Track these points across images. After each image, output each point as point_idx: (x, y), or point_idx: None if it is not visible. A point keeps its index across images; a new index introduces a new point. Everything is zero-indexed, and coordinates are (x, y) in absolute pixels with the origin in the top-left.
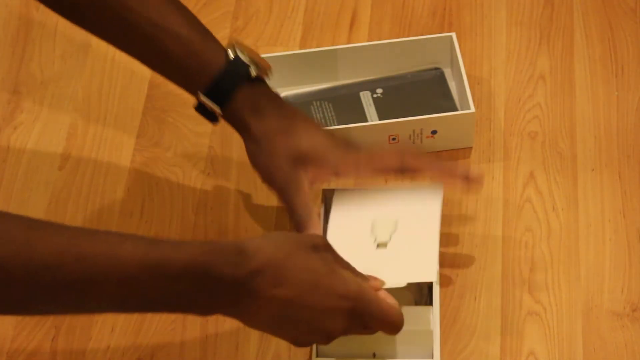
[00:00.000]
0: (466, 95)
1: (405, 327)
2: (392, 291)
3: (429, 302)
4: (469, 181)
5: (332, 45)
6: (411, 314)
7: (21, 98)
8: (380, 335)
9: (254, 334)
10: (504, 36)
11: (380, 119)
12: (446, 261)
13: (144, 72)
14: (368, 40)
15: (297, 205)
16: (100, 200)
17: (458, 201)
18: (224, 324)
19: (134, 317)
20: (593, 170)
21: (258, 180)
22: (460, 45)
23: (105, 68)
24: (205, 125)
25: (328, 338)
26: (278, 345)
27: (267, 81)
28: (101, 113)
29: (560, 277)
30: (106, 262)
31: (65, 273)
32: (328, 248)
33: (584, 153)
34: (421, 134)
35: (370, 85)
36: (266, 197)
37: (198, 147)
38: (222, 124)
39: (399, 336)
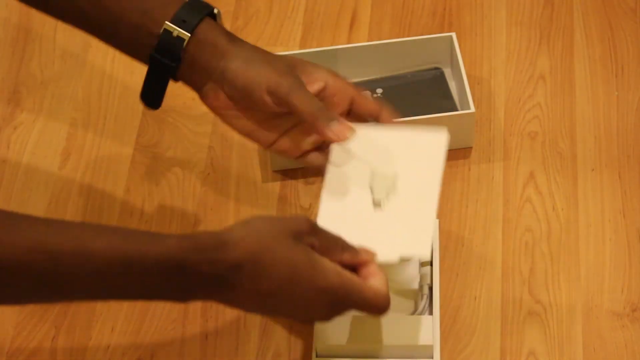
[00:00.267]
0: (466, 95)
1: (405, 339)
2: (395, 292)
3: (429, 302)
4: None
5: (332, 45)
6: (411, 323)
7: (21, 98)
8: (380, 334)
9: (254, 334)
10: (504, 36)
11: None
12: (446, 261)
13: (144, 72)
14: (368, 40)
15: (311, 101)
16: (100, 201)
17: (458, 201)
18: (224, 324)
19: (134, 317)
20: (593, 170)
21: (258, 181)
22: (460, 45)
23: (105, 68)
24: (205, 125)
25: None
26: (278, 345)
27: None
28: (101, 113)
29: (560, 277)
30: (76, 259)
31: (35, 269)
32: (312, 232)
33: (584, 153)
34: None
35: (370, 85)
36: (266, 197)
37: (198, 147)
38: (222, 126)
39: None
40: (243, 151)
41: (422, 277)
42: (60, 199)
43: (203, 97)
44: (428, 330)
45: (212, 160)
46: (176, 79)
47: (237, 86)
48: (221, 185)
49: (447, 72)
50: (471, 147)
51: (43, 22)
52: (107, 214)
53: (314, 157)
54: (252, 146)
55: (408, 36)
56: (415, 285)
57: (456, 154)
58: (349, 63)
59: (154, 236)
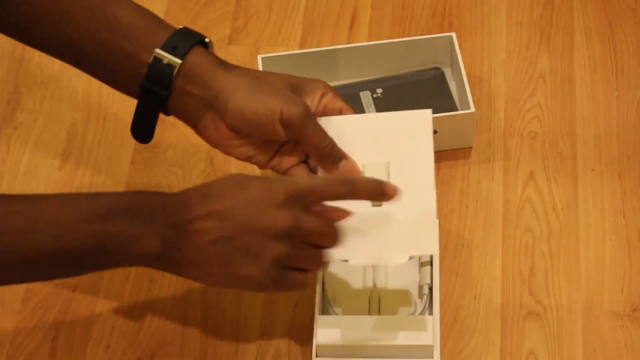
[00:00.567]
0: (466, 95)
1: (405, 339)
2: (395, 292)
3: (429, 302)
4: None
5: (332, 45)
6: (411, 323)
7: (21, 98)
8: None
9: (254, 334)
10: (504, 36)
11: None
12: (446, 261)
13: None
14: (368, 40)
15: (323, 136)
16: None
17: (458, 201)
18: (224, 324)
19: (134, 317)
20: (593, 170)
21: None
22: (460, 45)
23: None
24: None
25: (276, 262)
26: (278, 345)
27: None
28: (101, 113)
29: (560, 277)
30: (30, 210)
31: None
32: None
33: (584, 153)
34: None
35: (370, 85)
36: None
37: (198, 147)
38: None
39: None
40: None
41: (422, 277)
42: None
43: (201, 130)
44: (428, 330)
45: (212, 160)
46: (168, 112)
47: (246, 118)
48: None
49: (447, 72)
50: (471, 147)
51: None
52: None
53: (297, 171)
54: None
55: (408, 36)
56: (415, 285)
57: (456, 154)
58: (349, 63)
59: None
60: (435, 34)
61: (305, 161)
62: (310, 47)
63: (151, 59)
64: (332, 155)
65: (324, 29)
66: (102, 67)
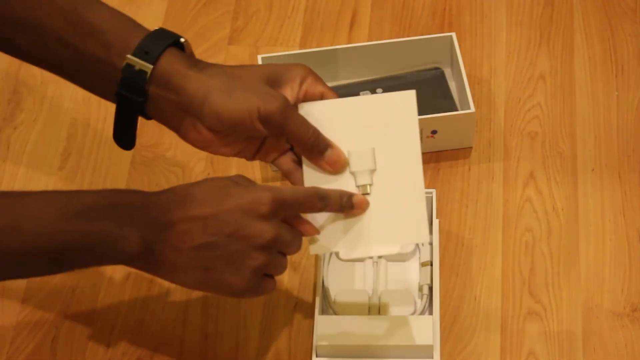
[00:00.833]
0: (466, 95)
1: (405, 339)
2: (395, 292)
3: (429, 302)
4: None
5: (332, 45)
6: (411, 323)
7: (21, 98)
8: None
9: (254, 334)
10: (504, 36)
11: None
12: (446, 261)
13: None
14: (368, 40)
15: (305, 127)
16: None
17: (458, 201)
18: (224, 324)
19: (134, 317)
20: (593, 170)
21: (257, 181)
22: (460, 45)
23: None
24: None
25: (256, 271)
26: (278, 345)
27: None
28: (101, 113)
29: (560, 277)
30: (10, 206)
31: None
32: (242, 177)
33: (584, 153)
34: (421, 133)
35: (370, 85)
36: None
37: None
38: None
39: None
40: None
41: (422, 277)
42: None
43: (184, 135)
44: (428, 330)
45: (212, 160)
46: (148, 117)
47: (223, 120)
48: None
49: (447, 72)
50: (471, 147)
51: None
52: None
53: (283, 160)
54: None
55: (408, 36)
56: (415, 285)
57: (456, 154)
58: (349, 63)
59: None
60: (435, 34)
61: (291, 148)
62: (310, 47)
63: (124, 65)
64: (316, 146)
65: (324, 29)
66: (79, 73)
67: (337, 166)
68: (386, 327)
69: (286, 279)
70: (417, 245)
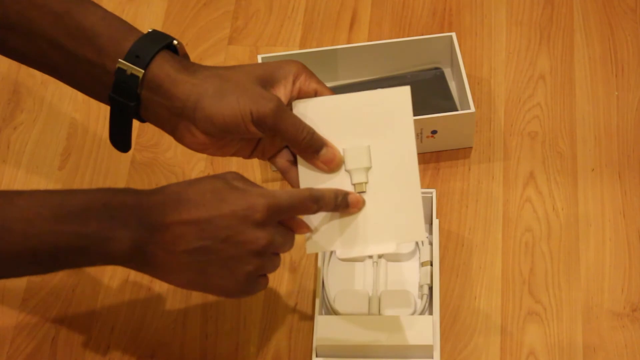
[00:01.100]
0: (466, 95)
1: (405, 339)
2: (395, 292)
3: (429, 302)
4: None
5: (332, 45)
6: (411, 323)
7: (21, 98)
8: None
9: (254, 334)
10: (504, 36)
11: None
12: (446, 261)
13: None
14: (368, 40)
15: (299, 127)
16: None
17: (458, 201)
18: (224, 324)
19: (134, 317)
20: (593, 170)
21: (257, 181)
22: (460, 45)
23: None
24: None
25: (250, 275)
26: (278, 345)
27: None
28: (101, 113)
29: (560, 277)
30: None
31: None
32: (236, 178)
33: (584, 153)
34: (421, 134)
35: (370, 86)
36: None
37: None
38: None
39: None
40: None
41: (422, 277)
42: None
43: (179, 138)
44: (428, 330)
45: (212, 160)
46: (143, 119)
47: (217, 124)
48: None
49: (447, 72)
50: (471, 147)
51: None
52: None
53: (280, 158)
54: None
55: (408, 36)
56: (415, 285)
57: (456, 154)
58: (349, 63)
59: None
60: (435, 34)
61: (287, 146)
62: (310, 47)
63: (115, 69)
64: (310, 145)
65: (324, 29)
66: (73, 76)
67: (333, 165)
68: (386, 327)
69: (286, 280)
70: (417, 245)
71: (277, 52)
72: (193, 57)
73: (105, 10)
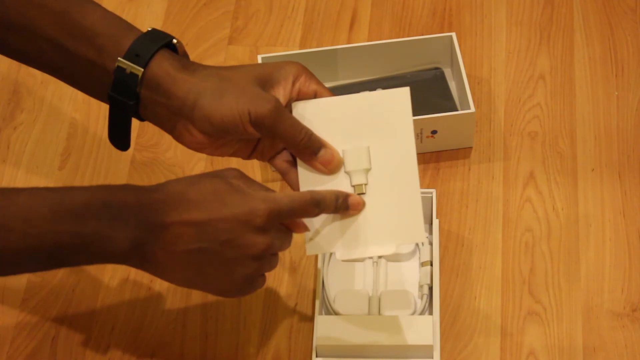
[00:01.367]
0: (466, 95)
1: (405, 339)
2: (395, 292)
3: (429, 302)
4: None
5: (332, 45)
6: (411, 323)
7: (21, 98)
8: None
9: (254, 334)
10: (504, 36)
11: None
12: (446, 261)
13: None
14: (368, 40)
15: (297, 129)
16: None
17: (458, 201)
18: (224, 324)
19: (134, 317)
20: (593, 170)
21: (258, 181)
22: (460, 45)
23: None
24: None
25: (248, 277)
26: (278, 345)
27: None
28: (101, 113)
29: (560, 277)
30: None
31: None
32: (237, 176)
33: (584, 153)
34: (421, 134)
35: (370, 86)
36: None
37: None
38: None
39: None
40: None
41: (422, 277)
42: None
43: (177, 137)
44: (428, 330)
45: (212, 160)
46: (142, 118)
47: (215, 124)
48: None
49: (447, 72)
50: (471, 147)
51: None
52: None
53: (280, 159)
54: None
55: (408, 36)
56: (415, 285)
57: (456, 154)
58: (349, 63)
59: (80, 186)
60: (435, 34)
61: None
62: (310, 47)
63: (115, 68)
64: (309, 147)
65: (324, 29)
66: (72, 75)
67: (331, 166)
68: (386, 327)
69: (286, 280)
70: (417, 245)
71: (277, 52)
72: (193, 57)
73: (105, 9)
